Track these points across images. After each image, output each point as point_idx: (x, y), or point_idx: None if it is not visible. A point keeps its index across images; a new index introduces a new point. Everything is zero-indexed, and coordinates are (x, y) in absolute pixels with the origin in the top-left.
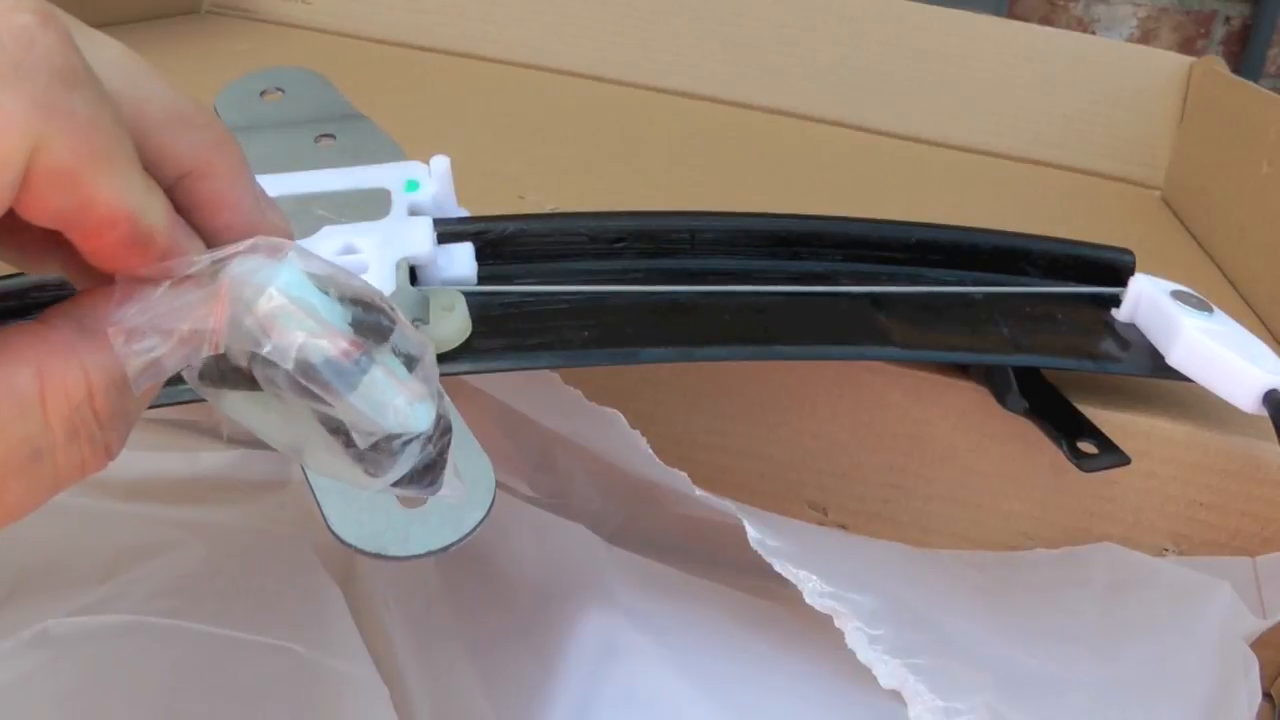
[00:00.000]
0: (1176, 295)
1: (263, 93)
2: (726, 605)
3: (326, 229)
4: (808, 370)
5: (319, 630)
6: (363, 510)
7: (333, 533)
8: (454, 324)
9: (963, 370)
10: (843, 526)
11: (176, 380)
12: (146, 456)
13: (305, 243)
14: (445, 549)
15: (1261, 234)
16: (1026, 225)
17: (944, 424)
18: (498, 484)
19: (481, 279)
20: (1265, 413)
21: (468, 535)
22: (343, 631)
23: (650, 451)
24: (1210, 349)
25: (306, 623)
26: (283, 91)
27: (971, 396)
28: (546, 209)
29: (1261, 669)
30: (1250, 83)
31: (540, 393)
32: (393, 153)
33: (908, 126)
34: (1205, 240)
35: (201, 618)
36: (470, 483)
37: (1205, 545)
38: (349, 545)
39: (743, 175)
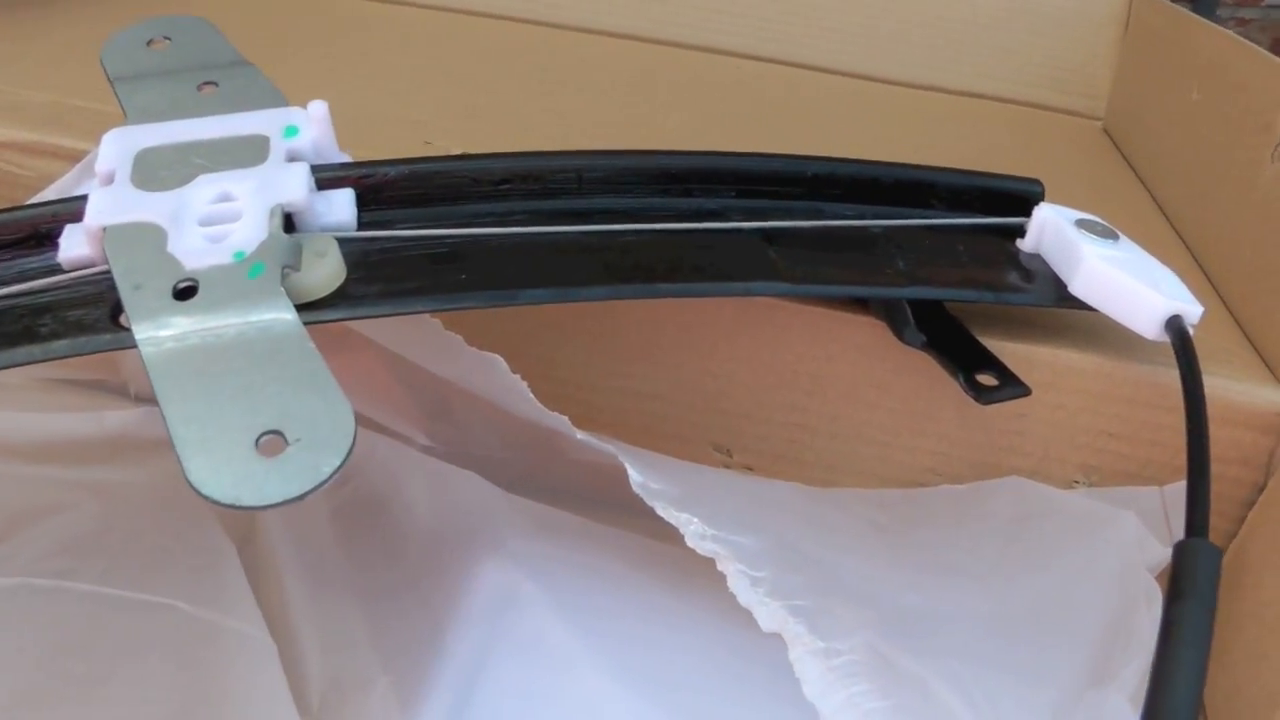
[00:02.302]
0: (1081, 224)
1: (149, 41)
2: (624, 550)
3: (202, 178)
4: (706, 310)
5: (208, 587)
6: (220, 461)
7: (190, 484)
8: (326, 270)
9: (862, 305)
10: (748, 468)
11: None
12: (52, 418)
13: (180, 192)
14: (301, 496)
15: (1189, 161)
16: (965, 160)
17: (845, 361)
18: (394, 435)
19: (364, 224)
20: (1167, 339)
21: (324, 482)
22: (233, 588)
23: (531, 396)
24: (1112, 277)
25: (196, 580)
26: (170, 40)
27: (872, 332)
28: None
29: None
30: (1183, 9)
31: (427, 340)
32: (274, 99)
33: (843, 62)
34: (1141, 170)
35: (89, 578)
36: (328, 429)
37: (1116, 476)
38: (205, 497)
39: (671, 116)
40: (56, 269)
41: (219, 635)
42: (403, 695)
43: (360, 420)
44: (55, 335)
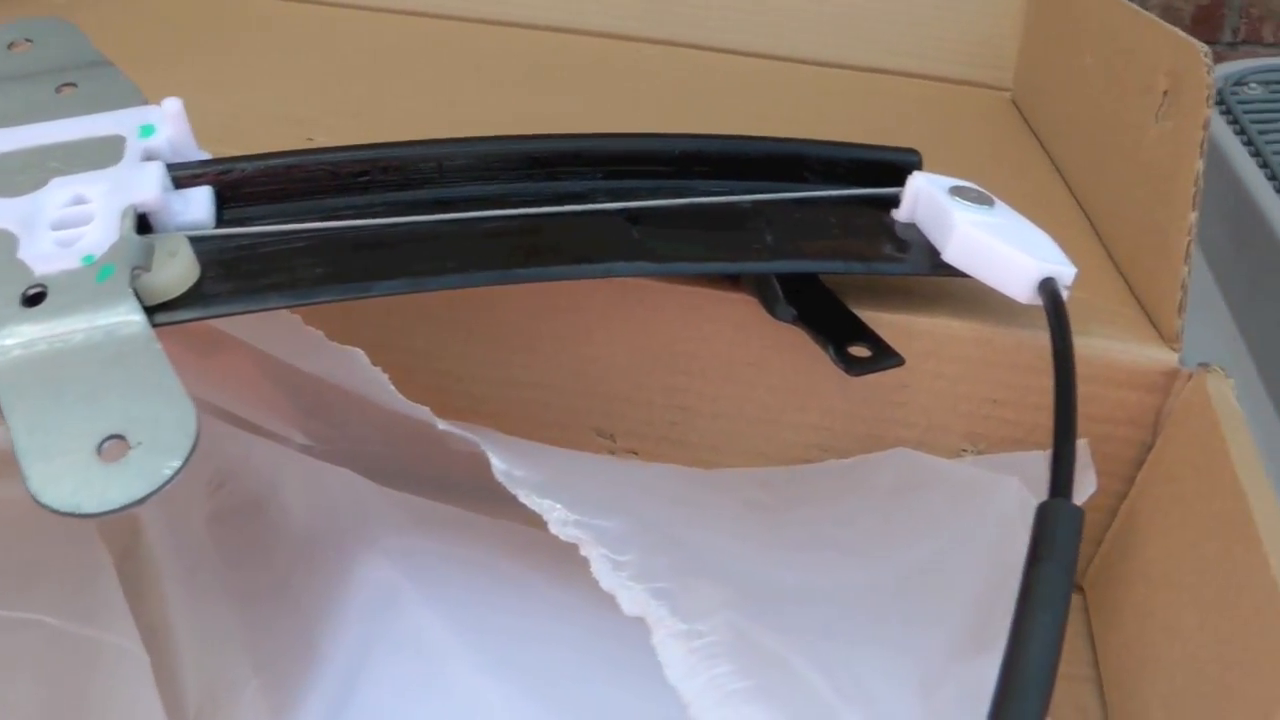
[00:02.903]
0: (955, 190)
1: (10, 44)
2: (503, 540)
3: (56, 181)
4: (580, 295)
5: (81, 601)
6: (60, 469)
7: (31, 495)
8: (177, 269)
9: (735, 283)
10: (633, 453)
11: None
12: None
13: (35, 196)
14: (141, 500)
15: (1084, 127)
16: (871, 136)
17: (721, 340)
18: (271, 435)
19: (225, 222)
20: (1040, 303)
21: (165, 484)
22: (108, 601)
23: (392, 388)
24: (983, 242)
25: (68, 595)
26: (30, 42)
27: (745, 309)
28: None
29: None
30: None
31: (292, 338)
32: (134, 98)
33: (745, 42)
34: (1045, 139)
35: None
36: (171, 430)
37: (1003, 443)
38: (44, 505)
39: (563, 103)
40: None
41: (89, 650)
42: (276, 698)
43: (236, 422)
44: None
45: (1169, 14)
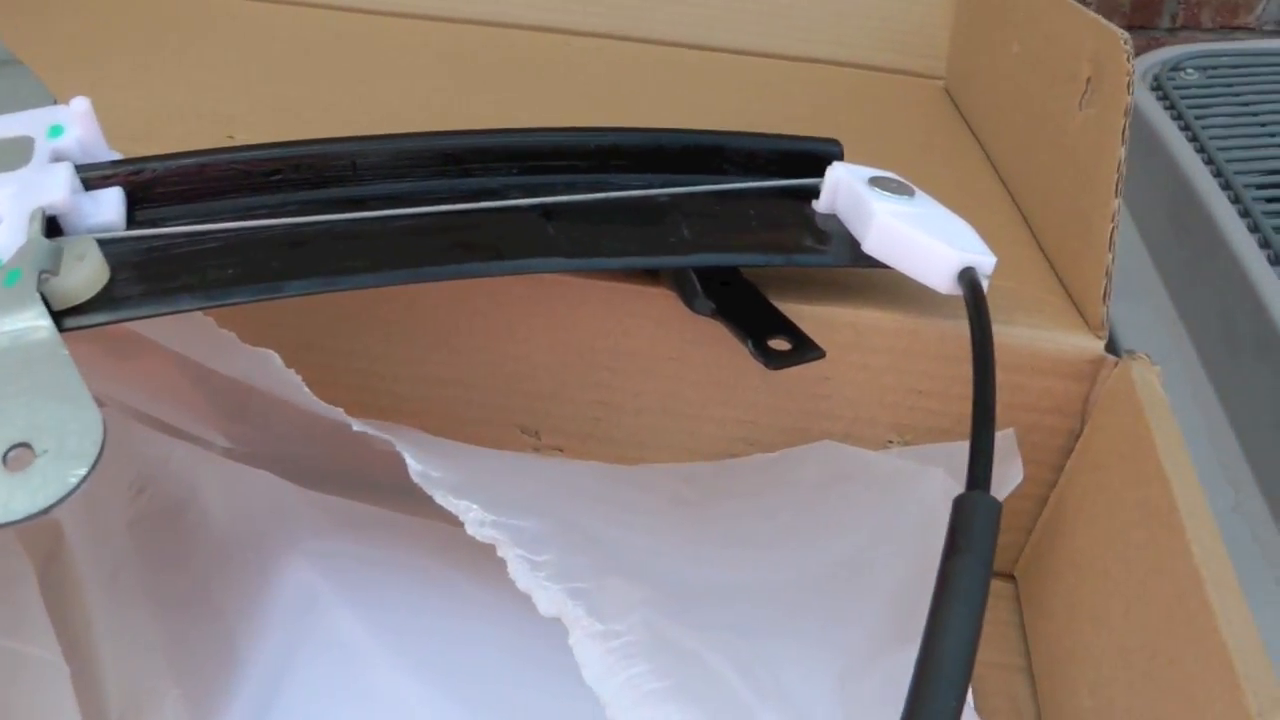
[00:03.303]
0: (875, 181)
1: None
2: (425, 540)
3: None
4: (499, 292)
5: (0, 612)
6: None
7: None
8: (85, 273)
9: (654, 277)
10: (558, 450)
11: None
12: None
13: None
14: (48, 509)
15: (1012, 115)
16: (804, 128)
17: (642, 335)
18: (192, 438)
19: (137, 223)
20: (960, 293)
21: (72, 491)
22: (27, 612)
23: (306, 389)
24: (902, 232)
25: None
26: None
27: (665, 304)
28: None
29: (1002, 550)
30: None
31: (207, 340)
32: (42, 98)
33: (675, 33)
34: (976, 128)
35: None
36: (76, 437)
37: (930, 433)
38: None
39: (496, 97)
40: None
41: (9, 661)
42: (198, 707)
43: (157, 425)
44: None
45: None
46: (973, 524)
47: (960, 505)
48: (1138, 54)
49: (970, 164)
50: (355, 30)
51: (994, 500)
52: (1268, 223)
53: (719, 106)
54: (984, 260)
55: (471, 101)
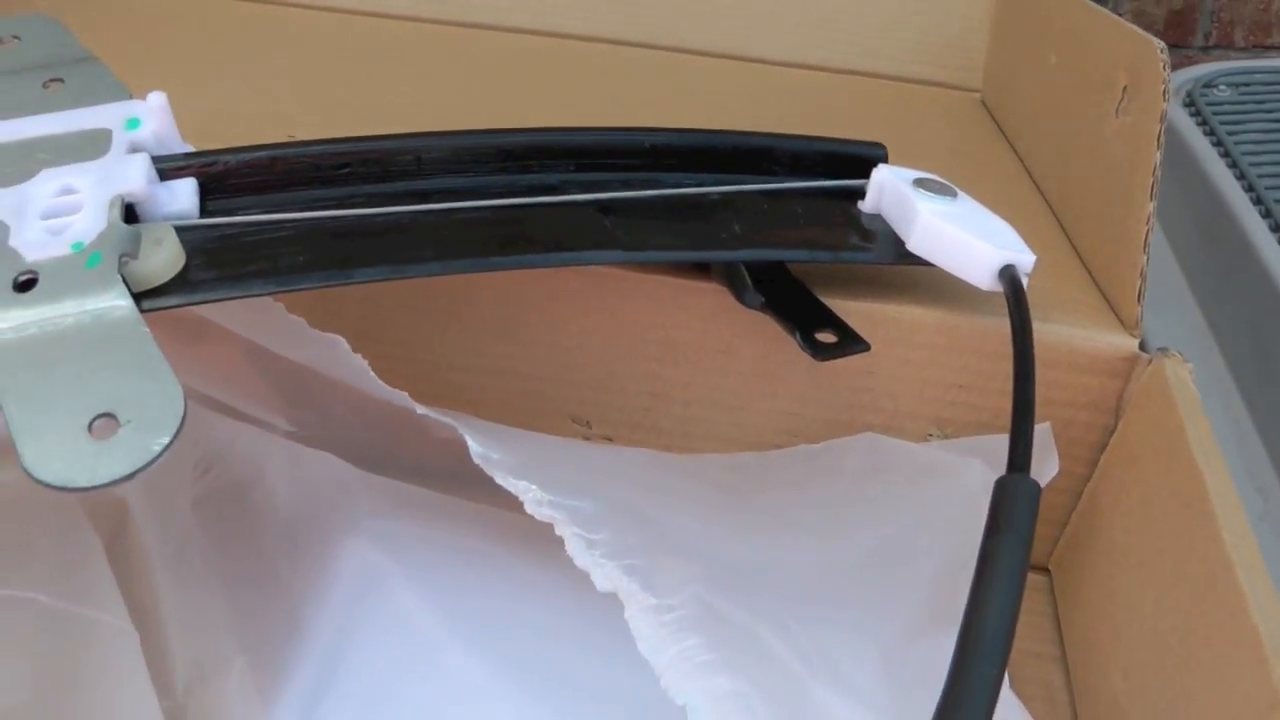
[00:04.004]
0: (919, 182)
1: None
2: (483, 524)
3: (45, 172)
4: (554, 284)
5: (71, 581)
6: (52, 446)
7: (25, 470)
8: (163, 257)
9: (703, 271)
10: (608, 439)
11: None
12: None
13: (24, 187)
14: (130, 475)
15: (1049, 125)
16: (844, 134)
17: (691, 328)
18: (257, 422)
19: (208, 213)
20: (1001, 289)
21: (154, 459)
22: (98, 580)
23: (372, 374)
24: (945, 231)
25: (58, 574)
26: (18, 39)
27: (715, 298)
28: None
29: (1037, 543)
30: None
31: (276, 326)
32: (119, 93)
33: (717, 44)
34: (1013, 138)
35: None
36: (158, 408)
37: (969, 427)
38: (38, 480)
39: (546, 102)
40: None
41: (80, 626)
42: (262, 676)
43: (222, 409)
44: None
45: (1142, 19)
46: (1013, 504)
47: (1001, 487)
48: (1172, 71)
49: (1007, 172)
50: (401, 38)
51: (1033, 482)
52: None
53: (759, 115)
54: (1024, 258)
55: (519, 106)
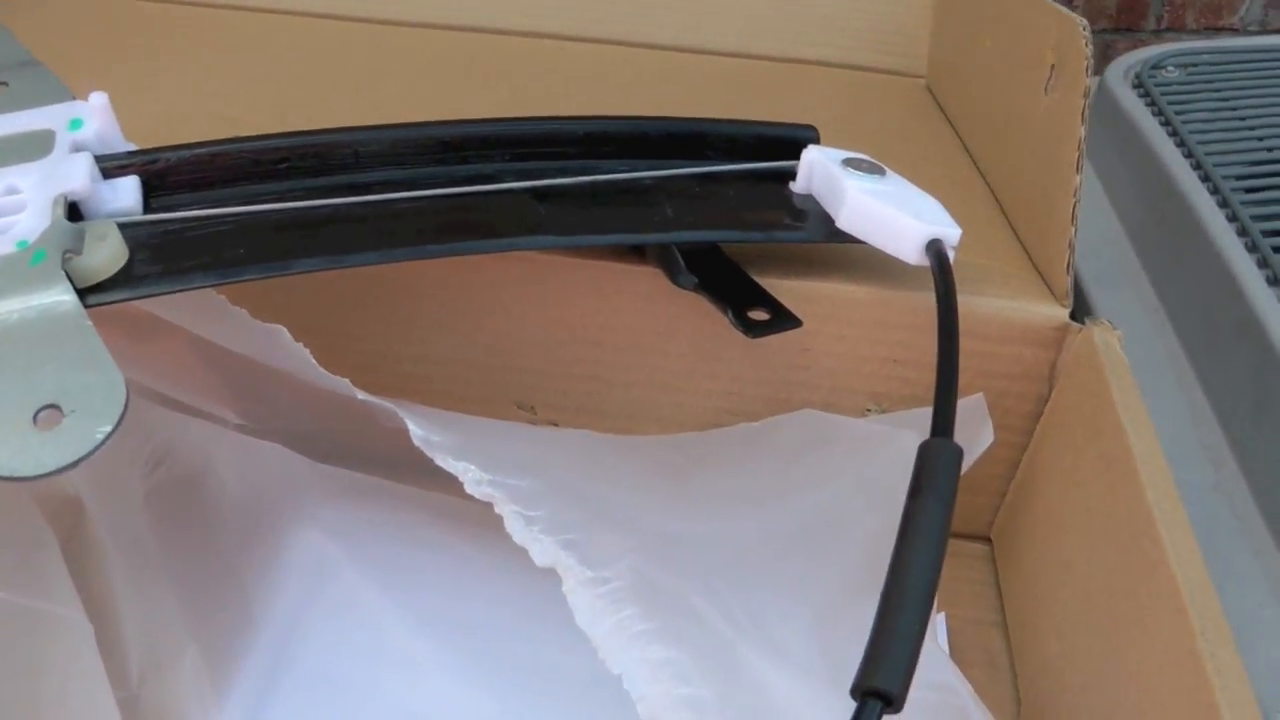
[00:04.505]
0: (848, 162)
1: None
2: (429, 509)
3: None
4: (494, 273)
5: (26, 575)
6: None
7: None
8: (106, 252)
9: (639, 255)
10: (553, 423)
11: None
12: None
13: None
14: (75, 463)
15: (987, 107)
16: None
17: (629, 311)
18: (207, 415)
19: (151, 209)
20: (928, 263)
21: (97, 447)
22: (53, 575)
23: (313, 361)
24: (873, 208)
25: (14, 569)
26: None
27: (651, 280)
28: None
29: (977, 514)
30: None
31: (219, 319)
32: (62, 95)
33: (662, 37)
34: (955, 122)
35: None
36: (102, 398)
37: (907, 400)
38: None
39: (491, 98)
40: None
41: (35, 619)
42: (215, 663)
43: (171, 404)
44: None
45: (1094, 3)
46: (935, 467)
47: (924, 451)
48: (1123, 54)
49: (949, 155)
50: (354, 38)
51: (955, 446)
52: (1245, 212)
53: (706, 106)
54: (950, 232)
55: (467, 103)
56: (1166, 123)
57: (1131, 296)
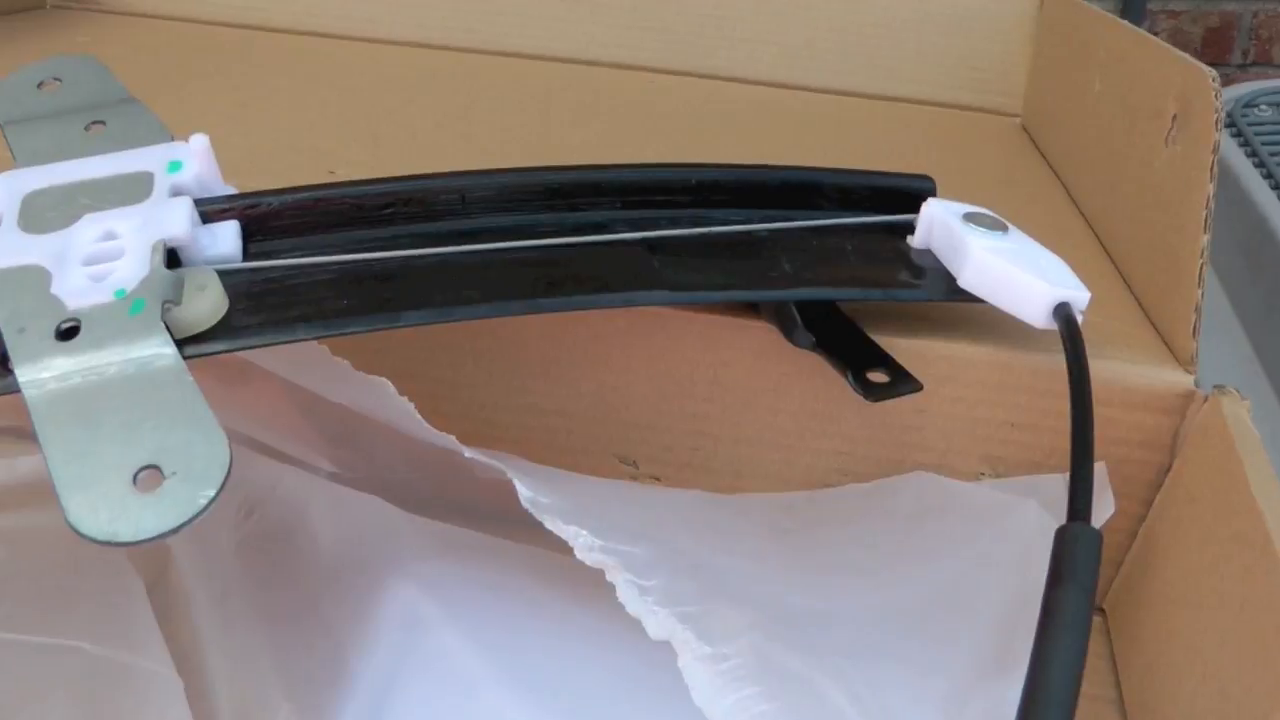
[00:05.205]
0: (969, 217)
1: (40, 84)
2: (529, 565)
3: (88, 217)
4: (599, 324)
5: (114, 627)
6: (98, 499)
7: (69, 525)
8: (207, 303)
9: (753, 310)
10: (656, 479)
11: None
12: None
13: (66, 232)
14: (176, 530)
15: (1094, 152)
16: (887, 163)
17: (741, 366)
18: (300, 464)
19: (250, 256)
20: (1055, 327)
21: (199, 514)
22: (140, 627)
23: (418, 416)
24: (998, 267)
25: (102, 620)
26: (59, 81)
27: (764, 336)
28: None
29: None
30: (1085, 2)
31: (320, 368)
32: (160, 135)
33: (756, 71)
34: (1055, 164)
35: None
36: (204, 460)
37: (1021, 466)
38: (81, 535)
39: (586, 132)
40: None
41: (124, 674)
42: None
43: (265, 451)
44: None
45: (1178, 36)
46: (1075, 555)
47: (1062, 536)
48: None
49: (1051, 200)
50: (437, 67)
51: (1095, 531)
52: None
53: (802, 144)
54: (1079, 295)
55: (563, 137)
56: (1261, 164)
57: (1225, 346)
